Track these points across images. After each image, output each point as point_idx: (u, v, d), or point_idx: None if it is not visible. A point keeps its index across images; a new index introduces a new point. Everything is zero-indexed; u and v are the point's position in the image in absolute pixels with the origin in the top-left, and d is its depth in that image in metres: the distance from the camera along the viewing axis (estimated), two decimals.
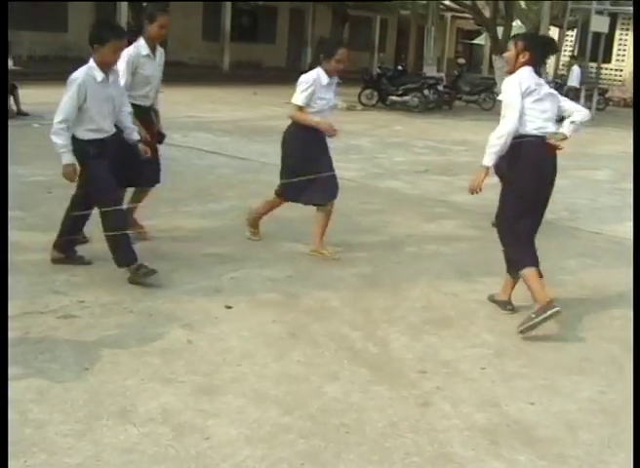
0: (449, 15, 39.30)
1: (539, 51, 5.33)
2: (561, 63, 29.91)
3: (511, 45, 5.28)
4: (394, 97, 21.89)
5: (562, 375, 4.55)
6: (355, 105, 21.68)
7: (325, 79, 6.32)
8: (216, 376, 4.16)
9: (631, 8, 30.41)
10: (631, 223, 8.72)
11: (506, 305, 5.57)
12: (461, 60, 30.25)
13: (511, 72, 5.27)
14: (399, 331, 5.02)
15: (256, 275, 5.95)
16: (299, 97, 6.28)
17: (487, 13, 30.60)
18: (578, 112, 5.39)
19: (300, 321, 5.07)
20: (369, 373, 4.37)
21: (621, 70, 33.04)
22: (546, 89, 5.28)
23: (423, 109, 21.44)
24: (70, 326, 4.71)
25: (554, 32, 30.63)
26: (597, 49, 25.42)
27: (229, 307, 5.19)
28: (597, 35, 25.94)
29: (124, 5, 25.80)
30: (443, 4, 30.77)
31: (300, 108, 6.31)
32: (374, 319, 5.22)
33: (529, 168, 5.17)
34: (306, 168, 6.32)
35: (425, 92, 21.88)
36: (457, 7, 32.86)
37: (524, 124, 5.14)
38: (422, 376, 4.38)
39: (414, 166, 11.90)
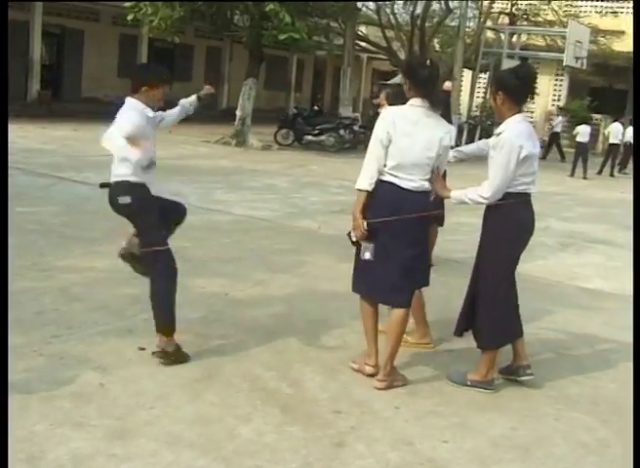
0: (365, 56, 39.92)
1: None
2: (474, 105, 30.65)
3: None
4: (310, 137, 22.10)
5: (475, 413, 4.62)
6: (271, 145, 21.80)
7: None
8: (128, 420, 4.10)
9: (540, 53, 31.56)
10: (542, 261, 8.98)
11: (526, 369, 5.14)
12: (377, 101, 30.75)
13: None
14: (314, 371, 5.02)
15: None
16: None
17: (402, 55, 31.30)
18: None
19: (214, 362, 5.04)
20: (282, 414, 4.36)
21: (532, 112, 34.01)
22: None
23: (339, 149, 21.68)
24: None
25: (467, 75, 31.47)
26: None
27: (142, 349, 5.12)
28: None
29: (37, 39, 25.45)
30: (359, 45, 31.28)
31: None
32: (288, 359, 5.21)
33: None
34: None
35: (341, 131, 22.15)
36: (372, 48, 33.50)
37: None
38: (337, 416, 4.39)
39: (328, 206, 11.99)
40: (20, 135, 18.19)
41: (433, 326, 6.07)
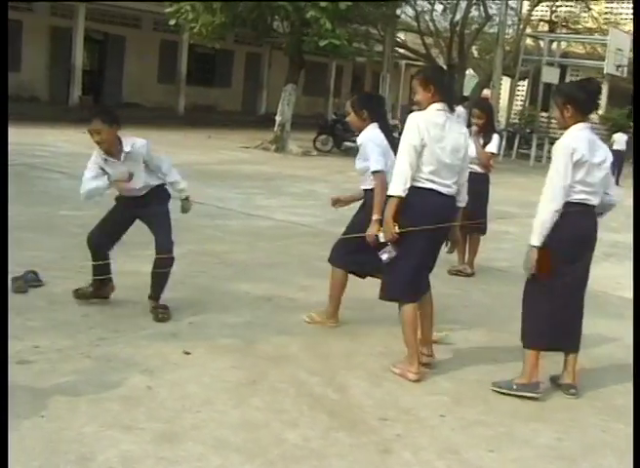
0: (403, 62, 39.86)
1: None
2: (513, 112, 30.51)
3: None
4: (349, 143, 22.07)
5: (520, 423, 4.59)
6: (310, 151, 21.84)
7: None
8: (176, 423, 4.12)
9: (580, 60, 31.33)
10: None
11: (569, 389, 5.11)
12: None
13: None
14: (358, 378, 5.02)
15: (214, 320, 5.93)
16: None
17: (441, 61, 31.24)
18: None
19: (260, 367, 5.05)
20: (329, 420, 4.36)
21: None
22: None
23: None
24: (26, 371, 4.63)
25: (506, 82, 31.33)
26: (548, 99, 25.97)
27: (188, 353, 5.15)
28: (548, 86, 26.55)
29: (79, 45, 25.73)
30: (398, 52, 31.28)
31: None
32: (332, 365, 5.22)
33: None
34: None
35: None
36: (411, 55, 33.47)
37: None
38: (383, 423, 4.38)
39: None
40: (63, 139, 18.39)
41: (475, 333, 6.06)
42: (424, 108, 5.06)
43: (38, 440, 3.80)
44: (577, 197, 4.85)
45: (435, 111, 5.01)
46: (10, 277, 6.23)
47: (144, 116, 26.69)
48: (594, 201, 4.93)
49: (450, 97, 5.15)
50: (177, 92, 29.36)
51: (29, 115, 21.29)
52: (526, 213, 13.36)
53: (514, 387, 5.00)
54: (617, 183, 23.53)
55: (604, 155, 4.96)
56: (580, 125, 4.91)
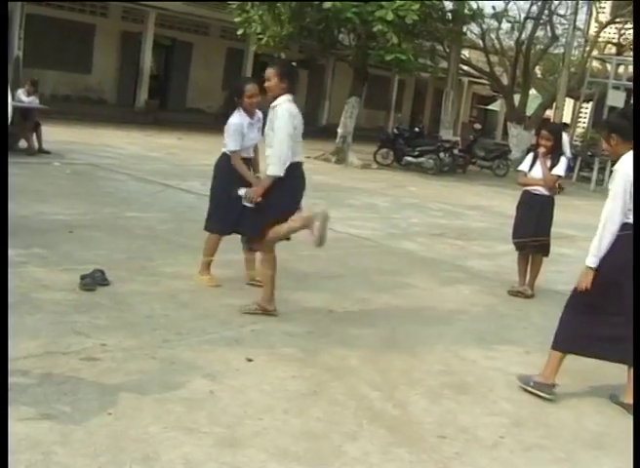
0: (466, 79, 39.70)
1: None
2: (575, 135, 30.18)
3: None
4: (410, 158, 22.06)
5: (581, 449, 4.55)
6: (370, 164, 21.86)
7: (246, 119, 6.90)
8: (237, 429, 4.17)
9: None
10: None
11: (629, 410, 5.13)
12: (478, 126, 30.61)
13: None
14: (418, 394, 5.02)
15: (275, 329, 5.97)
16: (230, 143, 6.85)
17: (504, 80, 31.05)
18: None
19: (320, 378, 5.08)
20: (388, 435, 4.37)
21: None
22: None
23: (438, 172, 21.60)
24: (93, 368, 4.73)
25: (569, 104, 31.02)
26: None
27: (250, 360, 5.20)
28: (613, 109, 26.22)
29: (148, 50, 26.13)
30: (462, 69, 31.17)
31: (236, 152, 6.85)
32: (392, 380, 5.23)
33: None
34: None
35: (441, 154, 22.05)
36: (474, 72, 33.33)
37: None
38: (442, 441, 4.38)
39: (429, 228, 11.96)
40: (129, 141, 18.69)
41: (533, 355, 6.02)
42: (274, 96, 6.11)
43: (105, 436, 3.87)
44: (628, 221, 5.01)
45: (289, 102, 6.11)
46: (79, 275, 6.40)
47: (207, 121, 27.01)
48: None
49: (296, 90, 6.21)
50: None
51: (97, 116, 21.67)
52: (585, 236, 13.26)
53: (531, 384, 5.27)
54: None
55: None
56: (632, 153, 5.03)
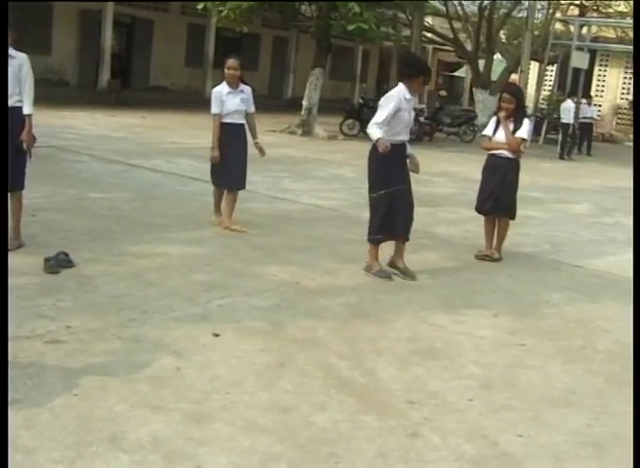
0: (430, 47, 39.61)
1: None
2: (541, 98, 30.25)
3: None
4: None
5: (549, 408, 4.58)
6: (337, 135, 21.80)
7: (226, 88, 8.26)
8: (205, 404, 4.15)
9: (610, 45, 31.01)
10: (614, 258, 8.85)
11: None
12: (443, 93, 30.63)
13: None
14: (386, 362, 5.03)
15: (242, 303, 5.95)
16: (212, 108, 8.30)
17: (469, 46, 31.02)
18: None
19: (288, 350, 5.07)
20: (357, 403, 4.37)
21: (600, 106, 33.40)
22: None
23: None
24: (58, 351, 4.68)
25: (534, 67, 31.08)
26: (576, 84, 25.74)
27: (217, 335, 5.18)
28: (577, 71, 26.30)
29: (108, 29, 25.82)
30: (425, 36, 31.09)
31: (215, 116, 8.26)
32: (360, 349, 5.23)
33: None
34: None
35: None
36: (438, 39, 33.27)
37: None
38: (411, 407, 4.39)
39: None
40: (92, 122, 18.51)
41: (502, 318, 6.07)
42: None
43: (71, 418, 3.84)
44: None
45: None
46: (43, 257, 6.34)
47: (171, 99, 26.77)
48: None
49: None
50: (203, 75, 29.36)
51: (58, 98, 21.38)
52: (552, 198, 13.35)
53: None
54: (561, 157, 22.95)
55: None
56: None
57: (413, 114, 7.25)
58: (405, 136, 7.03)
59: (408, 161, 7.11)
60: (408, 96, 6.96)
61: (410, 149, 7.17)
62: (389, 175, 6.94)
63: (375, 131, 6.77)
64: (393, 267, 7.19)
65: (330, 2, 19.60)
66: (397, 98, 6.87)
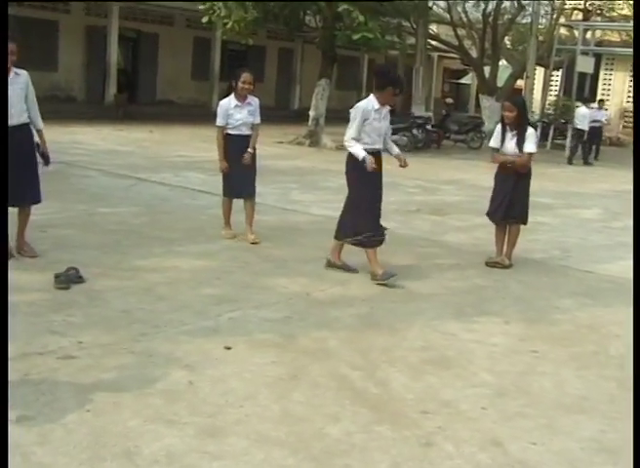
0: (435, 55, 39.65)
1: None
2: (547, 103, 30.24)
3: None
4: None
5: (562, 415, 4.56)
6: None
7: (234, 102, 8.30)
8: (219, 418, 4.15)
9: (615, 48, 30.97)
10: (624, 262, 8.82)
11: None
12: (449, 100, 30.64)
13: None
14: (399, 372, 5.02)
15: (252, 316, 5.95)
16: (217, 120, 8.36)
17: (474, 53, 31.03)
18: None
19: (300, 362, 5.07)
20: (370, 414, 4.36)
21: (606, 109, 33.34)
22: None
23: (412, 148, 21.55)
24: (70, 367, 4.69)
25: (540, 72, 31.07)
26: (582, 89, 25.71)
27: (228, 348, 5.18)
28: (582, 75, 26.29)
29: (114, 44, 25.94)
30: (430, 44, 31.11)
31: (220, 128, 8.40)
32: (373, 359, 5.22)
33: None
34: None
35: (414, 131, 22.03)
36: (443, 47, 33.29)
37: None
38: (424, 416, 4.38)
39: (405, 205, 11.94)
40: (99, 137, 18.58)
41: (513, 325, 6.06)
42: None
43: (85, 434, 3.85)
44: None
45: None
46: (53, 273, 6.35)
47: (178, 113, 26.85)
48: None
49: None
50: (210, 88, 29.42)
51: (66, 114, 21.49)
52: (561, 203, 13.32)
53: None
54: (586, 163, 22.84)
55: None
56: None
57: (386, 123, 7.38)
58: (379, 146, 7.33)
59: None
60: (377, 106, 7.12)
61: (397, 152, 7.81)
62: (373, 187, 7.65)
63: (357, 150, 7.08)
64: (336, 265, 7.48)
65: (335, 12, 19.63)
66: (362, 109, 7.08)
